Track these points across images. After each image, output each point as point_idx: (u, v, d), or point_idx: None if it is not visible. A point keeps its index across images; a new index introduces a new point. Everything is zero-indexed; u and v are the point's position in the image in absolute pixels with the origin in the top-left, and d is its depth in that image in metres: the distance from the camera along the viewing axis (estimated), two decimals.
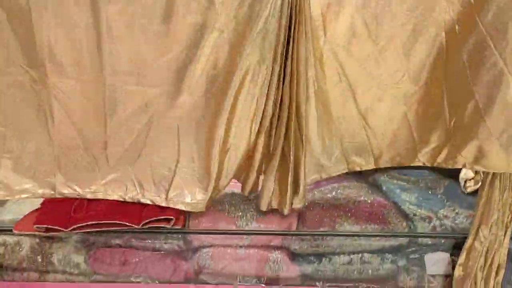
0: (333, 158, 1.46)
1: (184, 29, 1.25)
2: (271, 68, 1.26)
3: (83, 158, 1.41)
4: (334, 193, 1.74)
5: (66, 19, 1.23)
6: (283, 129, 1.31)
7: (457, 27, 1.26)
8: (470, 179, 1.65)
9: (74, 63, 1.28)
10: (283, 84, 1.28)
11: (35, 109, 1.34)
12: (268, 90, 1.29)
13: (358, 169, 1.49)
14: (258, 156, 1.38)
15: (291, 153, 1.33)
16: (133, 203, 1.49)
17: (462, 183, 1.67)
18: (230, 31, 1.25)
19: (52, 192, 1.44)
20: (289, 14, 1.21)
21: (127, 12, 1.22)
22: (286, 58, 1.26)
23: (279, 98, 1.30)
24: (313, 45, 1.25)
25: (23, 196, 1.43)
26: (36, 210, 1.57)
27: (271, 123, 1.33)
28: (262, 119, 1.33)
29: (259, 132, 1.35)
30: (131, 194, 1.46)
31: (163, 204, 1.46)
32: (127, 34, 1.25)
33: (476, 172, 1.60)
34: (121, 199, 1.47)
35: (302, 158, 1.34)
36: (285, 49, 1.25)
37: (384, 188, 1.78)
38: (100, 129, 1.36)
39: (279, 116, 1.32)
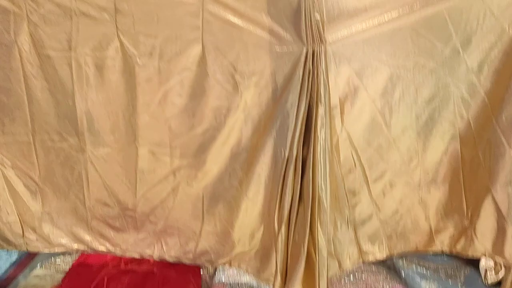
0: (346, 246, 1.46)
1: (210, 110, 1.36)
2: (287, 154, 1.32)
3: (115, 218, 1.50)
4: (352, 277, 1.71)
5: (104, 94, 1.36)
6: (307, 225, 1.32)
7: (471, 123, 1.31)
8: (490, 269, 1.62)
9: (110, 133, 1.40)
10: (302, 171, 1.32)
11: (73, 172, 1.45)
12: (285, 175, 1.33)
13: (371, 259, 1.48)
14: (281, 252, 1.38)
15: (318, 256, 1.32)
16: (151, 282, 1.51)
17: (482, 273, 1.64)
18: (253, 115, 1.35)
19: (85, 248, 1.54)
20: (308, 103, 1.29)
21: (160, 91, 1.35)
22: (305, 144, 1.32)
23: (298, 186, 1.33)
24: (330, 132, 1.31)
25: (59, 250, 1.54)
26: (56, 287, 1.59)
27: (290, 215, 1.36)
28: (281, 208, 1.36)
29: (280, 220, 1.37)
30: (159, 253, 1.53)
31: (188, 263, 1.52)
32: (160, 110, 1.37)
33: (496, 262, 1.57)
34: (149, 257, 1.54)
35: (326, 260, 1.33)
36: (303, 136, 1.31)
37: (403, 274, 1.74)
38: (131, 193, 1.46)
39: (298, 209, 1.35)
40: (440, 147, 1.35)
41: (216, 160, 1.40)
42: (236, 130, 1.36)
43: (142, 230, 1.51)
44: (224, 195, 1.43)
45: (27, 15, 1.28)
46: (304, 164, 1.31)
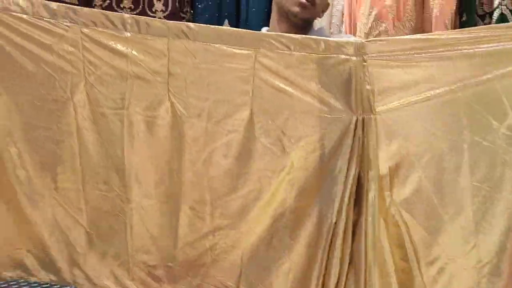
0: None
1: (255, 172, 1.36)
2: (335, 219, 1.30)
3: (155, 267, 1.50)
4: None
5: (152, 150, 1.40)
6: None
7: None
8: None
9: (155, 187, 1.43)
10: (352, 241, 1.31)
11: (118, 220, 1.48)
12: (332, 240, 1.31)
13: None
14: None
15: None
16: None
17: None
18: (298, 177, 1.34)
19: None
20: (358, 170, 1.28)
21: (206, 150, 1.37)
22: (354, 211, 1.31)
23: (348, 254, 1.31)
24: (379, 203, 1.29)
25: None
26: None
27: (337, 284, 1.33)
28: (327, 275, 1.33)
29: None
30: None
31: None
32: (204, 169, 1.39)
33: None
34: None
35: None
36: (353, 202, 1.30)
37: None
38: (172, 245, 1.47)
39: (347, 277, 1.32)
40: (499, 228, 1.27)
41: (258, 221, 1.39)
42: (281, 192, 1.36)
43: (179, 282, 1.51)
44: (264, 256, 1.41)
45: (84, 76, 1.34)
46: (354, 231, 1.30)
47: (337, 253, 1.31)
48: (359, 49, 1.24)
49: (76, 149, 1.42)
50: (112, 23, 1.30)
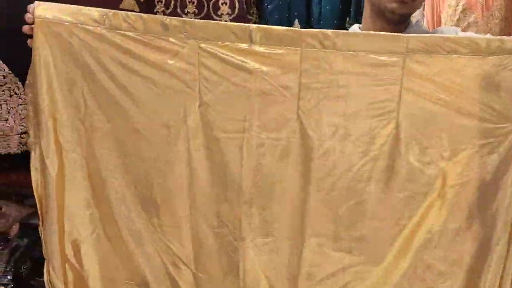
0: None
1: (400, 197, 1.18)
2: (507, 242, 1.13)
3: None
4: None
5: (276, 177, 1.21)
6: None
7: None
8: None
9: (277, 221, 1.25)
10: None
11: (229, 260, 1.30)
12: (505, 266, 1.14)
13: None
14: None
15: None
16: None
17: None
18: (451, 198, 1.16)
19: None
20: None
21: (340, 175, 1.19)
22: None
23: None
24: None
25: None
26: None
27: None
28: None
29: None
30: None
31: None
32: (337, 198, 1.20)
33: None
34: None
35: None
36: None
37: None
38: (292, 287, 1.28)
39: None
40: None
41: (402, 254, 1.20)
42: (430, 216, 1.17)
43: None
44: None
45: (199, 95, 1.17)
46: None
47: (507, 277, 1.14)
48: None
49: (185, 180, 1.25)
50: (236, 35, 1.12)
